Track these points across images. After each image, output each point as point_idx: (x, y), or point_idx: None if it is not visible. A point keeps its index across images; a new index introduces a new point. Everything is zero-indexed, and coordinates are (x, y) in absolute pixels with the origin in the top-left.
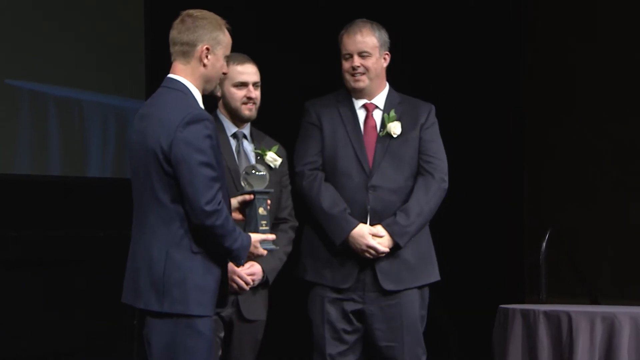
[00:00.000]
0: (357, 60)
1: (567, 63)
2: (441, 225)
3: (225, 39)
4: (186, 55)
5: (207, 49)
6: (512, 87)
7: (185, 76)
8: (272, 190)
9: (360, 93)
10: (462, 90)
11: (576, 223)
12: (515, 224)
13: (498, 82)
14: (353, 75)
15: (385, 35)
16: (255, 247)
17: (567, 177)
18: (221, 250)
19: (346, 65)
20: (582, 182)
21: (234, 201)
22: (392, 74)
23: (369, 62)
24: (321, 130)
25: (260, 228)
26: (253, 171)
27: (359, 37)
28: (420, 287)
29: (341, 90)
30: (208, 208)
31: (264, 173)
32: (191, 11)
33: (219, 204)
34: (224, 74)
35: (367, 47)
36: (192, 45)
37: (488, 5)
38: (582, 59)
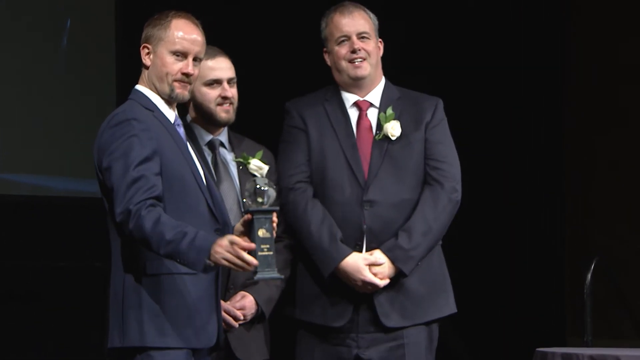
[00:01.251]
0: (357, 43)
1: (616, 59)
2: (465, 253)
3: (168, 33)
4: (141, 59)
5: (146, 47)
6: (549, 86)
7: (141, 83)
8: (275, 208)
9: (358, 84)
10: (488, 90)
11: (627, 251)
12: (554, 252)
13: (531, 79)
14: (352, 61)
15: (376, 21)
16: (232, 246)
17: (616, 195)
18: (167, 257)
19: (342, 50)
20: (634, 202)
21: (239, 224)
22: (412, 69)
23: (370, 46)
24: (307, 134)
25: (260, 254)
26: (257, 186)
27: (357, 17)
28: (428, 324)
29: (328, 87)
30: (119, 219)
31: (267, 188)
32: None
33: (135, 204)
34: (187, 75)
35: (367, 27)
36: (141, 48)
37: None
38: (635, 53)
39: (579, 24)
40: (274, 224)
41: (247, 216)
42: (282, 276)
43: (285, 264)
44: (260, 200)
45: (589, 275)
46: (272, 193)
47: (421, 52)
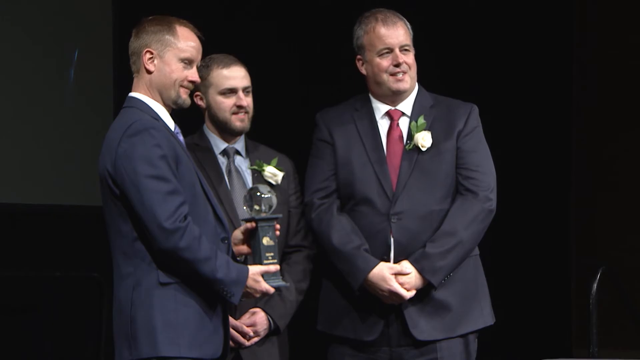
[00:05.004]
0: (400, 57)
1: (627, 63)
2: None
3: (177, 40)
4: (136, 66)
5: (150, 52)
6: (556, 92)
7: (138, 90)
8: (279, 215)
9: (397, 97)
10: (493, 98)
11: (635, 260)
12: (559, 261)
13: (538, 85)
14: (395, 74)
15: (411, 30)
16: (256, 280)
17: (625, 203)
18: (203, 281)
19: (383, 63)
20: None
21: (237, 232)
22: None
23: (410, 58)
24: (334, 148)
25: (265, 262)
26: (257, 193)
27: (399, 28)
28: (463, 336)
29: (358, 96)
30: (167, 225)
31: (269, 195)
32: (143, 19)
33: (182, 220)
34: (192, 82)
35: (408, 39)
36: (137, 53)
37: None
38: None
39: (589, 27)
40: (277, 232)
41: (251, 224)
42: (288, 284)
43: (304, 275)
44: (257, 207)
45: (595, 286)
46: (273, 200)
47: (425, 54)
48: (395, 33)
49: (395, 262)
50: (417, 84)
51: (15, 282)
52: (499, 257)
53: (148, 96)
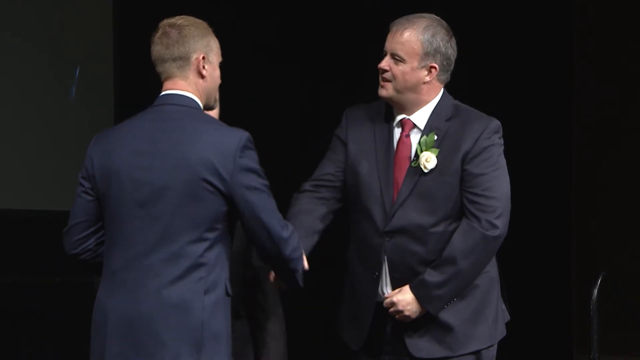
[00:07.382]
0: (385, 62)
1: (628, 69)
2: None
3: (216, 45)
4: (182, 69)
5: (204, 57)
6: (556, 98)
7: (191, 92)
8: None
9: (392, 104)
10: (489, 99)
11: (636, 266)
12: (560, 267)
13: (538, 90)
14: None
15: (440, 43)
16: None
17: (626, 208)
18: (292, 272)
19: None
20: None
21: None
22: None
23: (398, 70)
24: (346, 150)
25: None
26: None
27: (398, 36)
28: (475, 353)
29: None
30: (285, 234)
31: None
32: (171, 20)
33: (289, 226)
34: None
35: (403, 50)
36: (186, 57)
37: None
38: None
39: (589, 29)
40: None
41: None
42: None
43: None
44: None
45: (595, 290)
46: None
47: None
48: (392, 39)
49: (391, 278)
50: (442, 90)
51: (16, 287)
52: (499, 262)
53: (199, 100)
